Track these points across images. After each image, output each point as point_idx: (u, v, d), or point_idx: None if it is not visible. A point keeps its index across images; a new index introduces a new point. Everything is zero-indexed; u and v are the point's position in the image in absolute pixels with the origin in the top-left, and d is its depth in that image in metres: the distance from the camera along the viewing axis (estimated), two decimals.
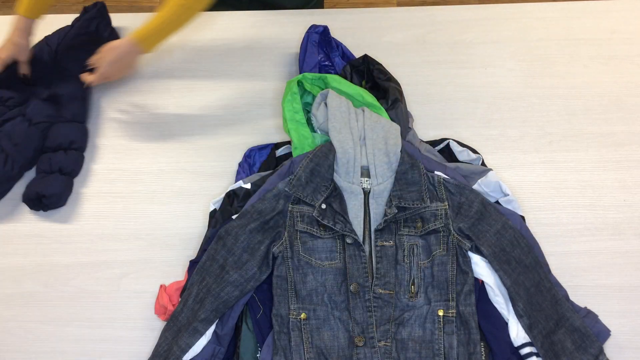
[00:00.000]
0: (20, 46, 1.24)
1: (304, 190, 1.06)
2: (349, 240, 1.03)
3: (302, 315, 1.02)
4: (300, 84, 1.18)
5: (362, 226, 1.06)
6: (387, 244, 1.04)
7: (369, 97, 1.16)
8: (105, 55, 1.19)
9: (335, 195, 1.07)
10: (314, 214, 1.05)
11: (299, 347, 1.00)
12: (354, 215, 1.06)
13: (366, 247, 1.05)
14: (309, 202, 1.06)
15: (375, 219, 1.06)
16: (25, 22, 1.25)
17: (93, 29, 1.31)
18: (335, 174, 1.08)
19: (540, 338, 0.99)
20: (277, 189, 1.07)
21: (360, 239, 1.05)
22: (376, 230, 1.04)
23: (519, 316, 1.00)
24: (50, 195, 1.16)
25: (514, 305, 1.01)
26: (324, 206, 1.05)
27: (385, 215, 1.04)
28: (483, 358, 1.00)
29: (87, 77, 1.21)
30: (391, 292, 1.01)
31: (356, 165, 1.08)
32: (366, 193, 1.08)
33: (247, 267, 1.03)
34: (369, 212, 1.07)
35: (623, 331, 1.05)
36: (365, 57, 1.24)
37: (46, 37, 1.33)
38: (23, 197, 1.17)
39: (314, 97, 1.20)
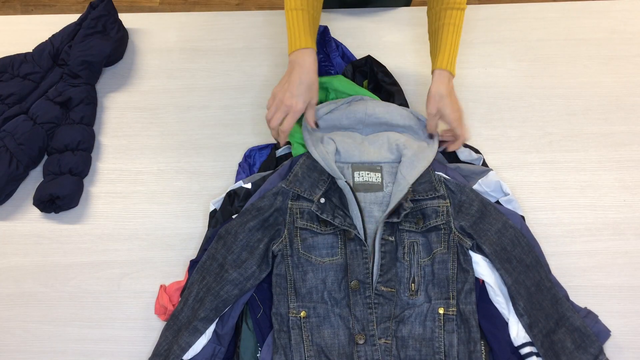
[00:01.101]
0: (316, 87, 1.09)
1: (301, 185, 1.06)
2: (350, 236, 1.03)
3: (302, 314, 1.02)
4: None
5: (360, 218, 1.06)
6: (390, 239, 1.04)
7: (374, 98, 1.17)
8: (446, 106, 1.08)
9: (335, 189, 1.07)
10: (312, 209, 1.05)
11: (299, 346, 1.00)
12: (352, 208, 1.06)
13: (367, 237, 1.05)
14: (308, 197, 1.06)
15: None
16: (312, 55, 1.07)
17: (100, 29, 1.31)
18: None
19: (540, 337, 0.99)
20: (276, 188, 1.08)
21: (362, 233, 1.05)
22: (385, 223, 1.04)
23: (520, 315, 1.00)
24: (64, 197, 1.16)
25: (514, 304, 1.01)
26: (322, 200, 1.05)
27: (404, 208, 1.04)
28: (483, 357, 1.00)
29: (453, 146, 1.13)
30: (393, 290, 1.01)
31: (331, 162, 1.09)
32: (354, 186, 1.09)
33: (246, 265, 1.03)
34: (361, 205, 1.07)
35: (623, 331, 1.05)
36: (369, 58, 1.24)
37: (51, 37, 1.33)
38: (34, 200, 1.17)
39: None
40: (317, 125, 1.12)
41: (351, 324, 1.01)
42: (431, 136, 1.13)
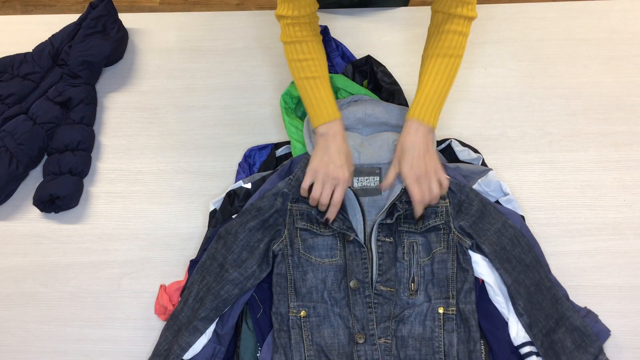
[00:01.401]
0: (351, 156, 1.05)
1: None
2: (349, 238, 1.03)
3: (302, 313, 1.02)
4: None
5: (362, 222, 1.06)
6: (387, 240, 1.04)
7: (373, 97, 1.17)
8: (407, 160, 1.00)
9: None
10: (312, 212, 1.05)
11: (299, 345, 1.00)
12: (352, 211, 1.06)
13: (366, 244, 1.05)
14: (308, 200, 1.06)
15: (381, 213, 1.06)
16: (341, 126, 1.04)
17: (100, 28, 1.31)
18: None
19: (540, 337, 0.99)
20: (276, 188, 1.08)
21: (361, 235, 1.05)
22: (379, 224, 1.04)
23: (519, 315, 1.00)
24: (64, 197, 1.16)
25: (514, 304, 1.01)
26: None
27: (397, 209, 1.03)
28: (483, 356, 1.00)
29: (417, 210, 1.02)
30: (392, 290, 1.01)
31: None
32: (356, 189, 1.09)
33: (246, 265, 1.03)
34: (364, 208, 1.07)
35: (623, 331, 1.05)
36: (369, 58, 1.24)
37: (51, 37, 1.32)
38: (34, 200, 1.17)
39: None
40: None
41: (351, 324, 1.01)
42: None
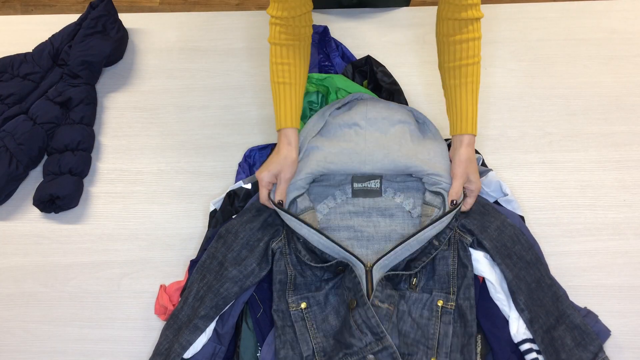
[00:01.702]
0: (290, 160, 1.04)
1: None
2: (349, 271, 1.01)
3: (303, 305, 1.02)
4: None
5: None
6: (384, 306, 1.01)
7: (373, 97, 1.17)
8: (472, 170, 1.04)
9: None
10: (300, 255, 1.04)
11: (304, 336, 1.00)
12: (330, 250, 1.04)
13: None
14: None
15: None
16: (294, 134, 1.05)
17: (100, 29, 1.31)
18: None
19: (540, 333, 0.99)
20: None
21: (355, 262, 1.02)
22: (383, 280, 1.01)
23: (520, 310, 1.01)
24: (64, 197, 1.16)
25: (515, 299, 1.01)
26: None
27: (415, 267, 1.02)
28: (478, 350, 1.00)
29: (467, 205, 1.06)
30: (391, 308, 0.99)
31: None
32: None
33: (246, 263, 1.04)
34: (366, 202, 1.07)
35: (623, 331, 1.05)
36: (369, 58, 1.24)
37: (51, 37, 1.33)
38: (34, 200, 1.17)
39: (318, 94, 1.21)
40: (280, 203, 1.04)
41: (345, 296, 1.00)
42: (454, 203, 1.04)
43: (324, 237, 1.00)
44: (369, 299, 0.97)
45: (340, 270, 1.03)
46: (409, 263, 1.02)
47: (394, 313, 0.99)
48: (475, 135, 1.05)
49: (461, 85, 1.03)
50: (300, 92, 1.06)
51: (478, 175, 1.05)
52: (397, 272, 1.01)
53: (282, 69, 1.04)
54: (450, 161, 1.06)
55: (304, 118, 1.20)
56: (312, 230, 1.00)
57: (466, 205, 1.06)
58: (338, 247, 1.00)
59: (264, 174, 1.03)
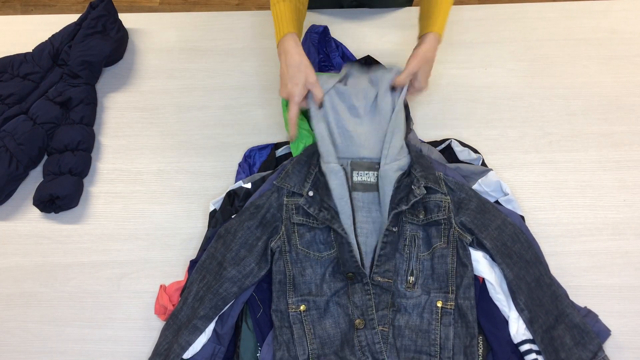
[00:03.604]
0: (306, 62, 1.07)
1: (290, 181, 1.07)
2: (334, 225, 1.03)
3: (302, 307, 1.02)
4: None
5: (350, 209, 1.05)
6: (393, 229, 1.03)
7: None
8: (425, 70, 1.10)
9: (322, 180, 1.07)
10: (300, 203, 1.05)
11: (301, 339, 1.00)
12: (338, 195, 1.06)
13: (361, 233, 1.05)
14: (298, 192, 1.06)
15: (384, 202, 1.05)
16: (297, 38, 1.08)
17: (100, 29, 1.31)
18: (320, 158, 1.09)
19: (540, 332, 0.99)
20: (274, 186, 1.08)
21: (349, 223, 1.04)
22: (395, 214, 1.03)
23: (520, 310, 1.01)
24: (64, 197, 1.16)
25: (515, 299, 1.01)
26: (311, 193, 1.06)
27: (414, 195, 1.03)
28: (480, 352, 1.00)
29: (411, 96, 1.14)
30: (389, 281, 1.02)
31: (329, 143, 1.09)
32: (347, 173, 1.09)
33: (244, 263, 1.04)
34: (365, 197, 1.08)
35: (623, 331, 1.05)
36: (368, 58, 1.24)
37: (51, 37, 1.33)
38: (34, 200, 1.17)
39: None
40: (321, 105, 1.10)
41: (350, 311, 1.01)
42: (393, 88, 1.11)
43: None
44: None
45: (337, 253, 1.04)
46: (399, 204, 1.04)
47: (390, 333, 1.00)
48: (440, 35, 1.08)
49: None
50: (297, 9, 1.09)
51: (428, 77, 1.10)
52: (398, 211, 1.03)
53: None
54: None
55: (304, 118, 1.19)
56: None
57: (398, 81, 1.09)
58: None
59: (294, 89, 1.05)
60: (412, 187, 1.04)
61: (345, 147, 1.10)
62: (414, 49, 1.11)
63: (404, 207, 1.03)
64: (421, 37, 1.11)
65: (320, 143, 1.09)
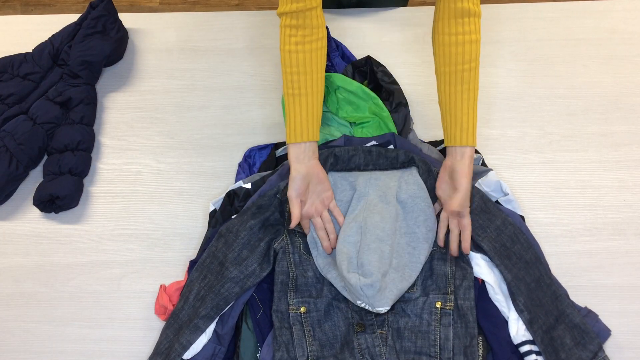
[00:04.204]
0: (323, 176, 1.02)
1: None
2: None
3: (302, 309, 1.02)
4: None
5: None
6: None
7: (372, 94, 1.17)
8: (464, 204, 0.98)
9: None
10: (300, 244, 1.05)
11: (301, 341, 1.00)
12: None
13: None
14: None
15: None
16: (315, 147, 1.01)
17: (100, 29, 1.31)
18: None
19: (540, 333, 0.99)
20: (277, 188, 1.08)
21: None
22: None
23: (520, 311, 1.00)
24: (64, 197, 1.16)
25: (514, 301, 1.01)
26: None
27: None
28: (480, 352, 1.00)
29: (466, 249, 1.01)
30: (383, 332, 1.01)
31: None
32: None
33: (247, 263, 1.04)
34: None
35: (623, 331, 1.05)
36: (369, 59, 1.24)
37: (51, 37, 1.33)
38: (34, 200, 1.17)
39: None
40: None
41: (350, 314, 1.01)
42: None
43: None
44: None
45: None
46: None
47: (389, 335, 1.00)
48: (475, 148, 1.00)
49: (457, 92, 0.96)
50: (318, 103, 0.99)
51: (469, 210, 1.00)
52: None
53: (297, 79, 0.97)
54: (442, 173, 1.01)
55: None
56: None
57: (465, 244, 1.00)
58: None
59: (330, 195, 1.01)
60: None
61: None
62: (452, 163, 0.99)
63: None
64: (453, 149, 0.98)
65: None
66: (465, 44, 0.96)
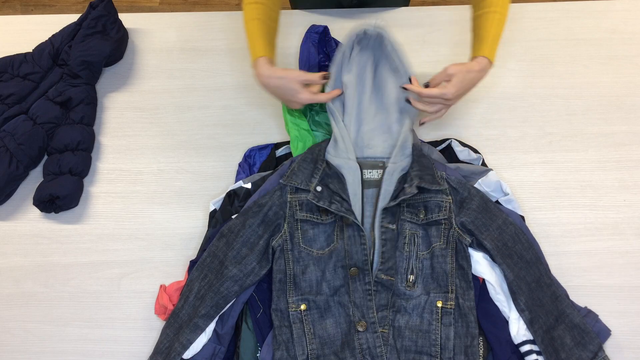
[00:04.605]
0: (292, 75, 1.07)
1: (297, 178, 1.07)
2: (348, 222, 1.04)
3: (302, 307, 1.02)
4: None
5: (360, 205, 1.06)
6: (390, 226, 1.04)
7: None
8: (460, 80, 1.04)
9: (331, 174, 1.07)
10: (309, 198, 1.05)
11: (301, 339, 1.00)
12: (353, 192, 1.07)
13: (365, 228, 1.06)
14: (305, 188, 1.06)
15: (384, 198, 1.06)
16: (271, 61, 1.08)
17: (100, 29, 1.31)
18: (328, 154, 1.09)
19: (540, 333, 0.99)
20: (277, 185, 1.08)
21: (359, 218, 1.05)
22: (383, 210, 1.04)
23: (521, 310, 1.01)
24: (64, 197, 1.16)
25: (515, 300, 1.02)
26: (319, 188, 1.06)
27: (404, 193, 1.04)
28: (481, 352, 1.00)
29: (426, 119, 1.12)
30: (392, 279, 1.02)
31: (349, 141, 1.09)
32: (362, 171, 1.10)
33: (246, 261, 1.04)
34: (369, 193, 1.08)
35: (623, 331, 1.05)
36: None
37: (51, 37, 1.33)
38: (34, 200, 1.17)
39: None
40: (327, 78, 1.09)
41: (351, 312, 1.01)
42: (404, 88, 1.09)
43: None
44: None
45: (340, 226, 1.04)
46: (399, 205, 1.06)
47: (390, 334, 1.00)
48: (491, 63, 1.06)
49: (493, 20, 1.05)
50: (270, 28, 1.09)
51: (461, 94, 1.06)
52: (398, 201, 1.03)
53: (256, 8, 1.07)
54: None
55: (304, 118, 1.19)
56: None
57: (426, 119, 1.10)
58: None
59: (305, 96, 1.06)
60: (404, 185, 1.05)
61: (353, 142, 1.11)
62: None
63: (391, 204, 1.03)
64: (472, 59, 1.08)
65: (339, 140, 1.08)
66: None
